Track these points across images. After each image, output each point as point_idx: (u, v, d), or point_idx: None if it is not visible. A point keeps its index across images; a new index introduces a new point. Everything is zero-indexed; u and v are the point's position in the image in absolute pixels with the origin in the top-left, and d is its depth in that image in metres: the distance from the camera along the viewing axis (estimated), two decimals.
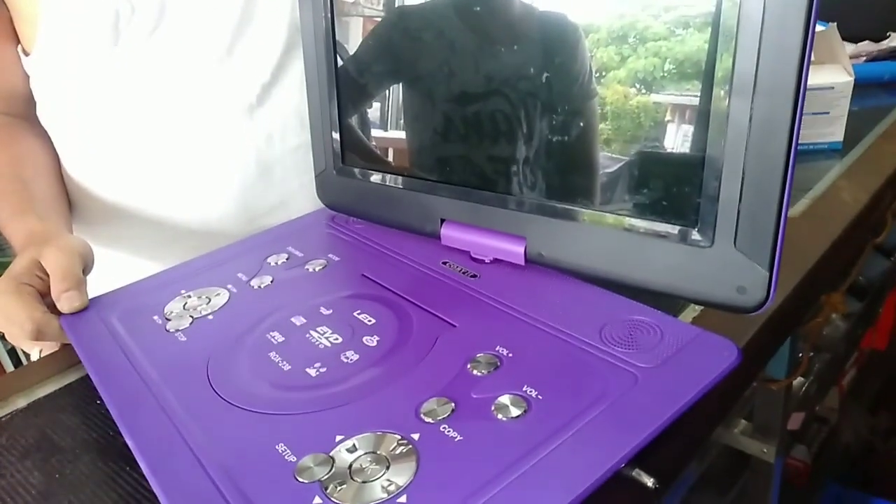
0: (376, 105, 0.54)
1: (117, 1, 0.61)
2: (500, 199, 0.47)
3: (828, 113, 0.74)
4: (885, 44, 1.05)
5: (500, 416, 0.34)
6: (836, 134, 0.75)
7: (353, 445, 0.34)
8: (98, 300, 0.51)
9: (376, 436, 0.34)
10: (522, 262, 0.46)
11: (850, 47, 1.03)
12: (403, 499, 0.30)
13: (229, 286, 0.51)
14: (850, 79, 0.73)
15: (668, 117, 0.39)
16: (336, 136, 0.56)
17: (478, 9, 0.46)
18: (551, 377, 0.36)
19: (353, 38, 0.54)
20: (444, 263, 0.50)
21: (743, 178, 0.36)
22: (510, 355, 0.39)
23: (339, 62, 0.55)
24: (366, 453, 0.33)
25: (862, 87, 0.84)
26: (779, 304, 0.48)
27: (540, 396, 0.35)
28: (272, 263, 0.54)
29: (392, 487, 0.31)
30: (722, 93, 0.36)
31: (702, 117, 0.37)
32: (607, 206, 0.42)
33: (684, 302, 0.47)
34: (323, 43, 0.55)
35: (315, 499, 0.31)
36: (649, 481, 0.32)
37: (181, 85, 0.66)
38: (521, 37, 0.45)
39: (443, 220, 0.50)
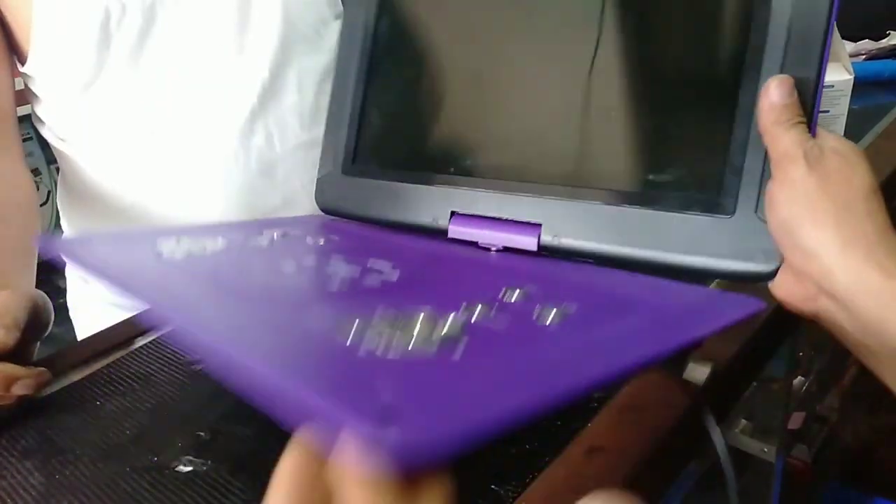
0: (398, 102, 0.55)
1: (108, 1, 0.61)
2: (517, 185, 0.47)
3: (828, 111, 0.74)
4: (884, 42, 1.05)
5: (539, 321, 0.33)
6: (836, 132, 0.75)
7: (395, 316, 0.32)
8: (83, 236, 0.48)
9: (419, 310, 0.32)
10: (535, 249, 0.46)
11: (849, 46, 1.03)
12: (458, 352, 0.29)
13: (224, 240, 0.49)
14: (850, 77, 0.73)
15: (696, 91, 0.41)
16: (353, 134, 0.56)
17: None
18: (584, 300, 0.36)
19: (391, 32, 0.55)
20: (451, 249, 0.50)
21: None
22: (539, 291, 0.38)
23: (375, 57, 0.55)
24: (410, 321, 0.31)
25: (861, 85, 0.83)
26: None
27: (577, 310, 0.35)
28: (268, 234, 0.52)
29: (443, 341, 0.30)
30: (751, 69, 0.38)
31: (730, 91, 0.39)
32: (630, 184, 0.43)
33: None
34: (360, 38, 0.55)
35: (360, 351, 0.29)
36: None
37: (181, 87, 0.66)
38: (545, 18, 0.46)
39: (453, 214, 0.50)
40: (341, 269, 0.42)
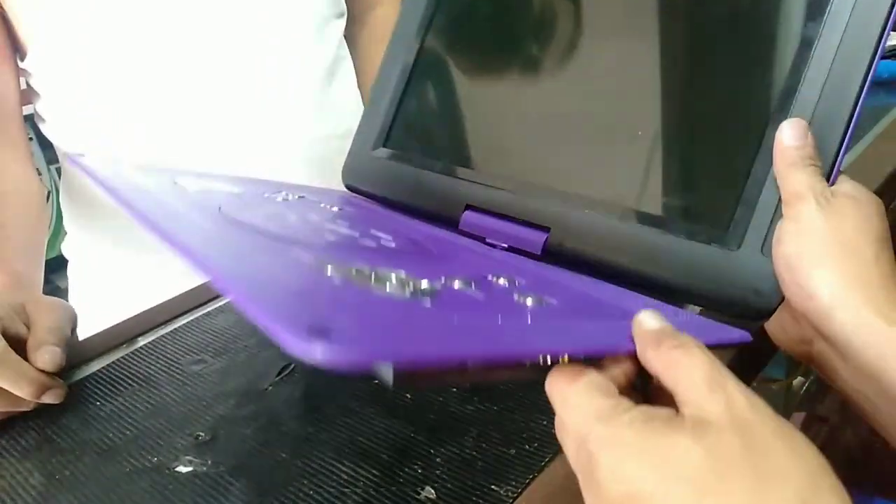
0: (439, 91, 0.56)
1: None
2: (533, 189, 0.48)
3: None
4: None
5: (519, 300, 0.33)
6: None
7: (375, 273, 0.31)
8: (104, 156, 0.50)
9: (398, 271, 0.32)
10: (539, 252, 0.46)
11: None
12: (427, 303, 0.29)
13: (244, 187, 0.50)
14: None
15: (724, 123, 0.41)
16: (391, 114, 0.57)
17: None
18: (569, 299, 0.36)
19: (444, 28, 0.56)
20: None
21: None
22: (525, 283, 0.38)
23: (426, 45, 0.56)
24: (388, 276, 0.31)
25: None
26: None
27: (557, 303, 0.35)
28: (285, 193, 0.53)
29: (416, 293, 0.30)
30: (782, 109, 0.38)
31: (758, 127, 0.39)
32: (642, 203, 0.43)
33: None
34: (415, 28, 0.56)
35: (335, 280, 0.29)
36: None
37: (182, 86, 0.66)
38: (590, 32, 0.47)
39: (467, 206, 0.51)
40: (342, 228, 0.43)
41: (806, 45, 0.39)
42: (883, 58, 0.36)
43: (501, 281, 0.37)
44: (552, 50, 0.49)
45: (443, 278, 0.34)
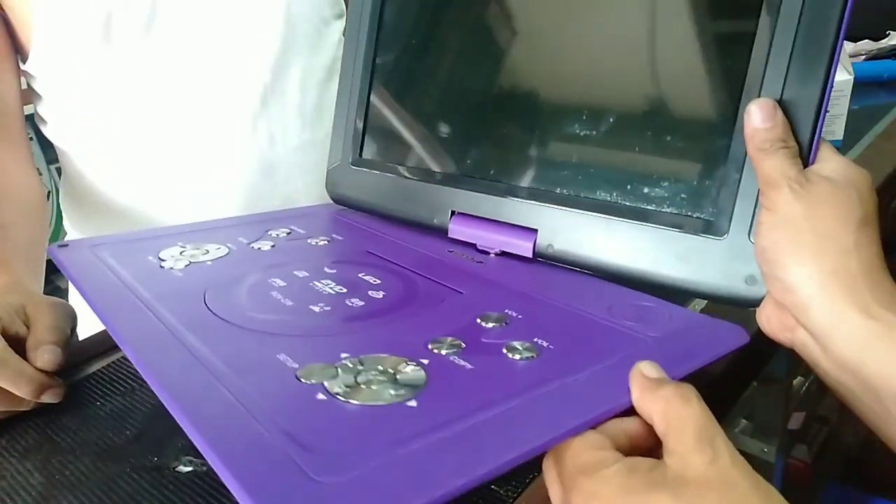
0: (404, 97, 0.55)
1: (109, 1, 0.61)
2: (515, 189, 0.47)
3: (827, 111, 0.74)
4: (884, 42, 1.05)
5: (510, 356, 0.34)
6: (836, 132, 0.75)
7: (360, 361, 0.33)
8: (88, 240, 0.50)
9: (383, 357, 0.33)
10: (530, 255, 0.46)
11: (849, 46, 1.04)
12: (413, 402, 0.30)
13: (228, 244, 0.51)
14: (850, 77, 0.73)
15: (698, 107, 0.41)
16: (360, 127, 0.57)
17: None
18: (562, 335, 0.36)
19: (396, 28, 0.55)
20: (450, 252, 0.50)
21: None
22: (520, 317, 0.38)
23: (379, 52, 0.56)
24: (372, 369, 0.32)
25: (861, 85, 0.84)
26: None
27: (551, 346, 0.35)
28: (273, 234, 0.54)
29: (402, 392, 0.30)
30: (752, 88, 0.37)
31: (730, 109, 0.38)
32: (626, 197, 0.43)
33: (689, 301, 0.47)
34: (366, 32, 0.56)
35: (318, 395, 0.30)
36: None
37: (182, 87, 0.66)
38: (557, 29, 0.46)
39: (453, 213, 0.51)
40: (330, 285, 0.43)
41: (771, 14, 0.37)
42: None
43: (491, 325, 0.37)
44: (520, 45, 0.49)
45: (430, 346, 0.35)
